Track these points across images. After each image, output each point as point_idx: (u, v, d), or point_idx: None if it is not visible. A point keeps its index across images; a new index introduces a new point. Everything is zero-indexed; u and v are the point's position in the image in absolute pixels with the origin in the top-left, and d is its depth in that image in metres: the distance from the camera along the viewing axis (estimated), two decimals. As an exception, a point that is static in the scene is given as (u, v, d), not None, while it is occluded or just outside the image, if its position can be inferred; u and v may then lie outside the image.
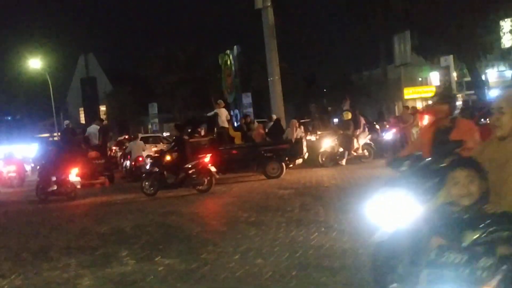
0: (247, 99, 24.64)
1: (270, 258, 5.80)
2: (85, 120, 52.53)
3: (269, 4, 18.88)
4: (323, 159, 15.63)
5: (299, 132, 15.32)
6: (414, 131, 15.99)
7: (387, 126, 19.13)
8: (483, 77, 31.96)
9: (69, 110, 53.15)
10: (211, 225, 8.07)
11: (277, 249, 6.14)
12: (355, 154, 15.74)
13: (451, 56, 21.08)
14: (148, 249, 6.78)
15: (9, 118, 58.46)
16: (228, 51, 24.71)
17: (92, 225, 9.17)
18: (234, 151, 14.66)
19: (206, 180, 12.02)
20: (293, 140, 14.52)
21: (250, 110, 24.94)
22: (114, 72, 52.64)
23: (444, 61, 20.95)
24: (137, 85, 44.11)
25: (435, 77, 37.47)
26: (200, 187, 12.05)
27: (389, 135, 17.36)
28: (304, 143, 15.48)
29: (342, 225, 7.10)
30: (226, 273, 5.38)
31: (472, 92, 33.62)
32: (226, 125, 14.97)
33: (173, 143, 13.35)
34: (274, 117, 17.45)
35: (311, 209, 8.55)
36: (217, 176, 12.44)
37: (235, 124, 20.35)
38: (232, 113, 24.72)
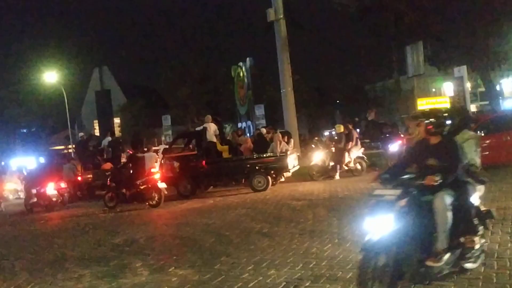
0: (259, 110, 24.73)
1: (283, 269, 5.79)
2: (100, 132, 52.99)
3: (281, 17, 18.99)
4: (314, 173, 15.53)
5: (284, 145, 15.18)
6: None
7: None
8: (498, 87, 31.68)
9: (84, 123, 53.69)
10: (225, 236, 8.08)
11: (290, 260, 6.13)
12: (346, 168, 15.55)
13: (465, 67, 20.91)
14: (162, 260, 6.82)
15: (24, 130, 59.19)
16: (240, 63, 24.88)
17: (106, 236, 9.25)
18: (221, 165, 14.83)
19: (156, 196, 12.83)
20: (278, 154, 14.54)
21: (263, 121, 25.00)
22: (128, 85, 53.15)
23: (457, 71, 20.78)
24: (150, 98, 44.47)
25: (448, 88, 37.26)
26: (151, 202, 12.82)
27: (394, 147, 17.00)
28: (294, 156, 15.42)
29: (355, 236, 7.07)
30: (239, 284, 5.39)
31: (487, 102, 33.34)
32: (214, 139, 15.09)
33: (126, 160, 14.49)
34: (264, 131, 17.36)
35: (324, 220, 8.53)
36: (166, 192, 13.08)
37: (248, 135, 20.46)
38: (245, 124, 24.85)
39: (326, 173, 15.47)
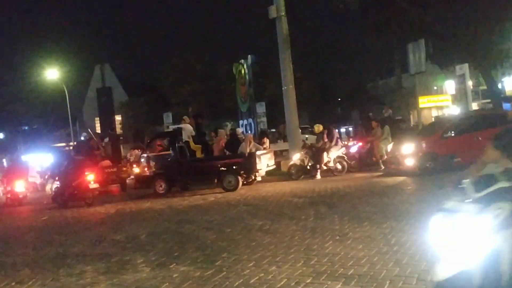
0: (261, 108, 24.71)
1: (284, 265, 5.80)
2: (101, 129, 53.06)
3: (283, 14, 18.92)
4: (293, 172, 15.54)
5: (254, 146, 15.19)
6: (383, 144, 15.60)
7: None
8: (499, 86, 31.61)
9: (85, 120, 53.72)
10: (226, 233, 8.09)
11: (291, 257, 6.14)
12: (325, 167, 15.56)
13: (467, 65, 20.87)
14: (163, 257, 6.82)
15: (26, 127, 59.23)
16: (242, 61, 24.80)
17: (108, 233, 9.26)
18: (192, 165, 14.98)
19: (90, 195, 14.09)
20: (246, 154, 14.58)
21: (264, 119, 24.98)
22: (129, 82, 53.17)
23: (459, 69, 20.75)
24: (152, 95, 44.49)
25: (450, 86, 37.23)
26: (86, 201, 13.98)
27: (354, 148, 17.03)
28: (268, 156, 15.43)
29: (356, 233, 7.07)
30: (241, 280, 5.39)
31: (489, 101, 33.27)
32: (189, 140, 15.21)
33: (66, 163, 15.62)
34: (239, 130, 17.46)
35: (326, 218, 8.53)
36: (96, 192, 14.46)
37: (248, 132, 20.49)
38: (245, 122, 24.82)
39: (305, 173, 15.47)
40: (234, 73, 26.15)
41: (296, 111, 19.23)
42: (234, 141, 15.63)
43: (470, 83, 22.62)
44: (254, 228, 8.27)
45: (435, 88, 42.43)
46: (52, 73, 37.39)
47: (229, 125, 31.66)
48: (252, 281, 5.35)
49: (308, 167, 15.44)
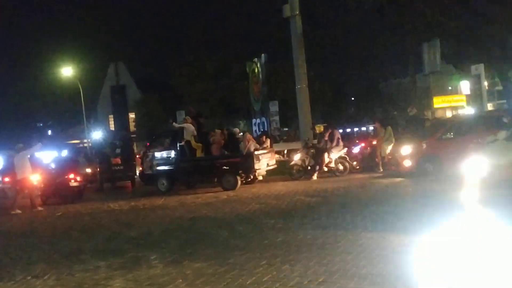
0: (274, 107, 24.72)
1: (297, 264, 5.80)
2: (115, 127, 53.49)
3: (297, 13, 18.90)
4: (294, 172, 15.56)
5: (252, 145, 15.21)
6: (386, 145, 15.39)
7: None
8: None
9: (99, 117, 54.19)
10: (238, 231, 8.12)
11: (304, 255, 6.14)
12: (326, 168, 15.47)
13: (482, 65, 20.65)
14: (177, 253, 6.87)
15: (41, 124, 59.91)
16: (255, 59, 24.84)
17: (122, 229, 9.35)
18: (192, 164, 15.12)
19: (72, 193, 15.13)
20: (244, 154, 14.62)
21: (277, 118, 25.00)
22: (143, 80, 53.48)
23: (475, 69, 20.52)
24: (165, 93, 44.70)
25: (465, 86, 36.86)
26: (67, 198, 14.84)
27: (356, 149, 16.88)
28: (268, 156, 15.45)
29: (369, 232, 7.06)
30: (253, 278, 5.41)
31: (504, 101, 32.94)
32: (190, 139, 15.34)
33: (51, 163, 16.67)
34: (237, 131, 17.51)
35: (338, 217, 8.52)
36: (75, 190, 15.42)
37: (262, 130, 20.55)
38: (258, 121, 24.85)
39: (306, 173, 15.43)
40: (247, 71, 26.19)
41: (309, 110, 19.20)
42: (232, 141, 15.72)
43: (485, 83, 22.37)
44: (267, 226, 8.29)
45: (450, 88, 42.05)
46: (67, 71, 37.73)
47: (241, 124, 31.67)
48: (264, 279, 5.36)
49: (309, 168, 15.43)
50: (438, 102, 34.29)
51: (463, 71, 31.25)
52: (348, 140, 18.33)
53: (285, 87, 30.70)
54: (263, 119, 24.30)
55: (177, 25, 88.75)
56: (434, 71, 23.95)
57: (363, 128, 41.61)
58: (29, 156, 14.18)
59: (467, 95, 32.18)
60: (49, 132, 55.30)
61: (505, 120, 12.02)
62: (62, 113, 53.25)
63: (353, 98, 49.81)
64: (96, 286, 5.73)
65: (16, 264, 7.17)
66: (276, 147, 19.02)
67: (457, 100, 33.38)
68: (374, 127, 18.73)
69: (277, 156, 17.77)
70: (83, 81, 38.49)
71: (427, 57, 22.16)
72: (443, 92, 39.31)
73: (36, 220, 12.11)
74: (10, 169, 17.60)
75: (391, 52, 31.15)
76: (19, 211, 13.36)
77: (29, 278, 6.31)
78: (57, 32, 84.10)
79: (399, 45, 30.28)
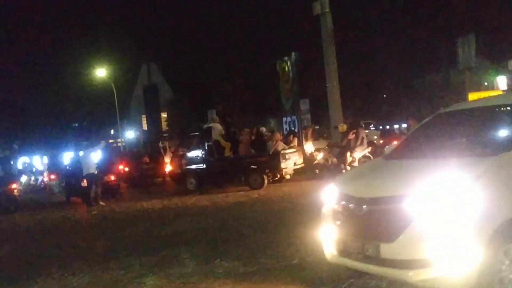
0: (305, 105, 24.55)
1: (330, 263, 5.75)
2: (147, 126, 54.30)
3: (327, 10, 18.74)
4: (317, 171, 15.43)
5: (280, 145, 15.06)
6: None
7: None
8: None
9: (132, 117, 55.12)
10: (270, 230, 8.11)
11: (335, 255, 6.08)
12: (348, 168, 15.18)
13: (519, 59, 20.09)
14: (208, 252, 6.93)
15: (76, 124, 61.33)
16: (286, 58, 24.75)
17: (154, 228, 9.49)
18: (220, 163, 15.15)
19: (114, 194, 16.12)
20: (270, 153, 14.58)
21: (308, 116, 24.83)
22: (175, 80, 54.12)
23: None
24: (196, 93, 45.10)
25: (502, 82, 35.84)
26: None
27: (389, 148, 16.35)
28: (296, 155, 15.31)
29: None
30: (285, 278, 5.41)
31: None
32: (219, 138, 15.39)
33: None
34: (264, 130, 17.48)
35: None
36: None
37: (290, 129, 20.51)
38: (289, 119, 24.78)
39: (329, 172, 15.23)
40: (277, 70, 26.14)
41: (340, 108, 19.04)
42: (260, 140, 15.75)
43: (523, 78, 21.74)
44: (298, 225, 8.25)
45: (486, 84, 40.94)
46: (100, 72, 38.52)
47: (272, 123, 31.62)
48: (297, 278, 5.35)
49: (332, 167, 15.27)
50: (474, 98, 33.43)
51: (499, 66, 30.43)
52: (389, 137, 17.96)
53: (317, 85, 30.49)
54: (294, 117, 24.20)
55: (207, 25, 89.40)
56: (469, 66, 23.38)
57: (396, 126, 40.96)
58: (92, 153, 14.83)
59: (504, 91, 31.27)
60: (85, 132, 56.53)
61: None
62: (96, 113, 54.42)
63: (385, 96, 49.03)
64: (130, 284, 5.84)
65: (53, 262, 7.36)
66: (317, 145, 18.92)
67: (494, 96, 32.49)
68: (407, 124, 18.35)
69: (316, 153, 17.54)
70: (117, 82, 39.28)
71: (462, 52, 21.68)
72: (479, 88, 38.27)
73: (72, 218, 12.42)
74: (56, 166, 18.29)
75: (423, 48, 30.58)
76: (103, 203, 14.30)
77: (66, 275, 6.49)
78: (90, 34, 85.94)
79: (432, 40, 29.72)
